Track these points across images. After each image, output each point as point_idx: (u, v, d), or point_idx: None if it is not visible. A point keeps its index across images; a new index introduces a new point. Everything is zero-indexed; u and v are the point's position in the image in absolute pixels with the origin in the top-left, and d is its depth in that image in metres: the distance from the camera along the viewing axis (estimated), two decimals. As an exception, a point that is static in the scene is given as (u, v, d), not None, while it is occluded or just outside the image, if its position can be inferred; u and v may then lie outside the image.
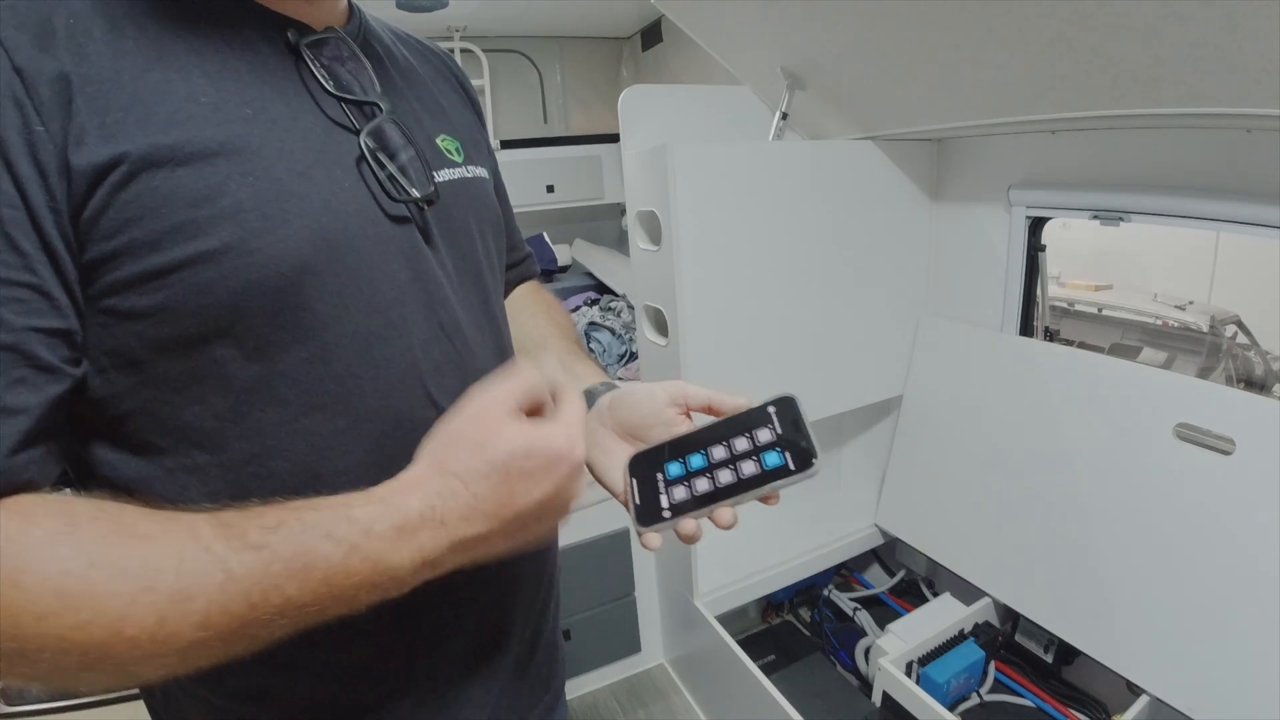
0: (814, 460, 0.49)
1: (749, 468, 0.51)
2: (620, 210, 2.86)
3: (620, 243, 2.96)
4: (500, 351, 0.66)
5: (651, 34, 2.77)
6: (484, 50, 2.77)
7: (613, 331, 2.20)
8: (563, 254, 2.91)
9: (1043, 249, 1.46)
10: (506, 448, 0.44)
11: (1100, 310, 4.16)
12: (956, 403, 1.58)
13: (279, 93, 0.50)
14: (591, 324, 2.25)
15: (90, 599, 0.36)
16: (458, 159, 0.63)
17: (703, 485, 0.51)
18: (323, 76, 0.52)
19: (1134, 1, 0.83)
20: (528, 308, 0.84)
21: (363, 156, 0.52)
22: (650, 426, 0.59)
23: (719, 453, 0.52)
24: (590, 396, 0.65)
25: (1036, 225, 1.44)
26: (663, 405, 0.58)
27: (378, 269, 0.52)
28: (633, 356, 2.13)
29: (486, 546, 0.45)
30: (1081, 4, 0.88)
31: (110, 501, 0.40)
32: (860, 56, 1.29)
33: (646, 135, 1.54)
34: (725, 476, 0.51)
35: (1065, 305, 4.28)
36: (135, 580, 0.37)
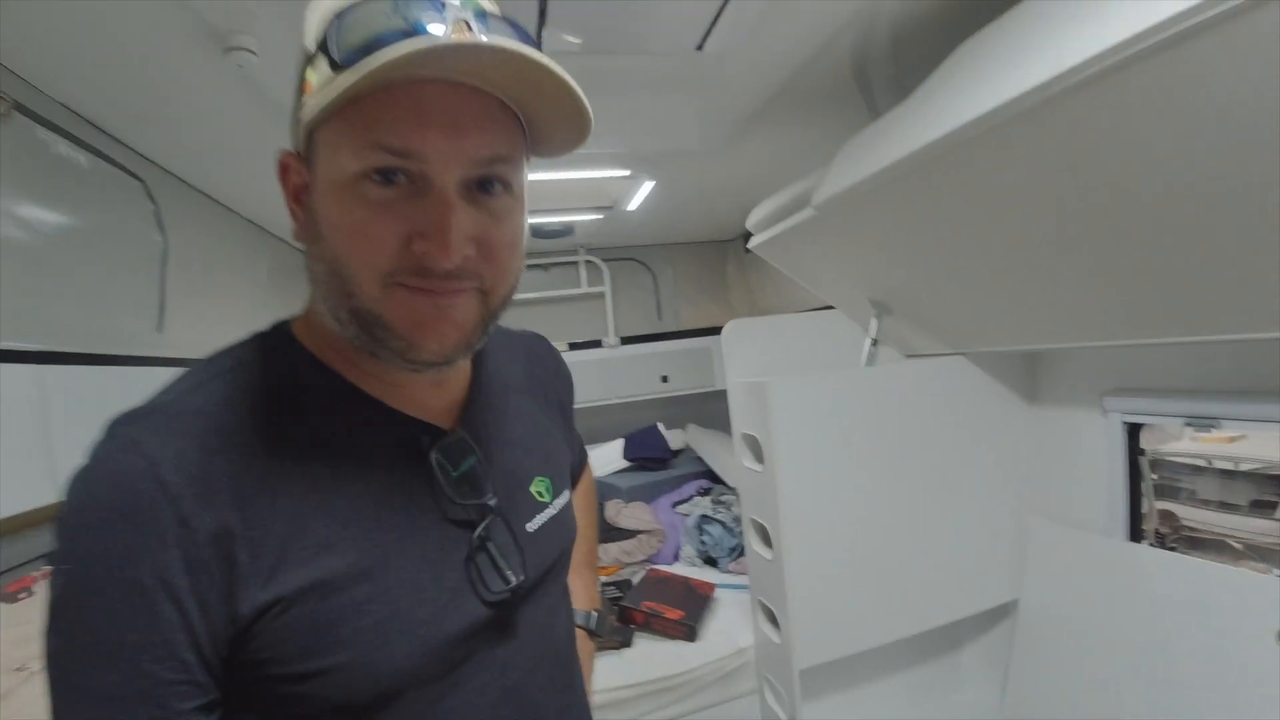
0: None
1: None
2: (730, 395, 3.02)
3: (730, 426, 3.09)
4: (567, 650, 0.75)
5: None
6: (604, 260, 3.13)
7: (724, 525, 2.29)
8: (675, 439, 3.08)
9: (1142, 453, 1.47)
10: None
11: (1238, 465, 3.90)
12: (1070, 607, 1.54)
13: (409, 502, 0.57)
14: (704, 516, 2.35)
15: None
16: (546, 499, 0.70)
17: None
18: (447, 485, 0.59)
19: (1222, 234, 0.87)
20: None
21: (469, 560, 0.59)
22: None
23: None
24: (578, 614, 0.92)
25: (1134, 430, 1.46)
26: None
27: (460, 649, 0.58)
28: (744, 551, 2.20)
29: None
30: (1165, 236, 0.92)
31: None
32: (939, 293, 1.42)
33: (749, 363, 1.70)
34: None
35: (1202, 463, 4.03)
36: None
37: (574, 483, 0.95)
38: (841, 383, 1.53)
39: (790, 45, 1.22)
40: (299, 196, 0.55)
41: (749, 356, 1.72)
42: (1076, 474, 1.58)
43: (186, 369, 0.56)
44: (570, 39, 1.09)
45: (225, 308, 1.76)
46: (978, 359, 1.62)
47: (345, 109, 0.48)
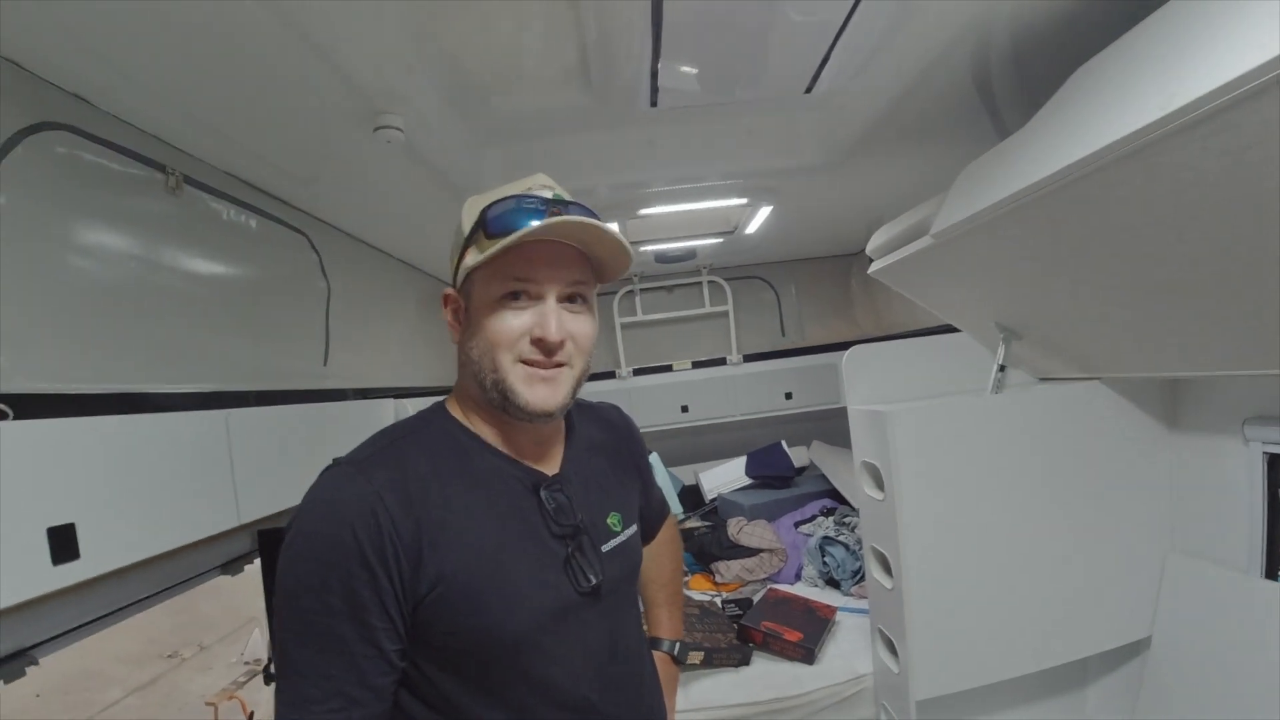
0: None
1: None
2: (855, 414, 2.97)
3: (856, 445, 3.03)
4: (638, 645, 0.97)
5: (880, 252, 2.98)
6: (726, 280, 3.18)
7: (847, 547, 2.26)
8: (799, 456, 3.06)
9: (1282, 485, 1.34)
10: None
11: None
12: (1205, 647, 1.42)
13: (525, 522, 0.82)
14: (826, 538, 2.34)
15: None
16: (618, 530, 0.93)
17: None
18: (551, 511, 0.83)
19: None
20: (653, 549, 1.18)
21: (566, 563, 0.83)
22: None
23: None
24: (656, 643, 1.14)
25: (1275, 461, 1.34)
26: None
27: (561, 625, 0.81)
28: (865, 575, 2.17)
29: None
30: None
31: None
32: (1071, 319, 1.37)
33: (871, 388, 1.69)
34: None
35: None
36: None
37: (653, 532, 1.18)
38: (965, 410, 1.50)
39: (899, 75, 1.22)
40: (457, 315, 0.85)
41: (872, 382, 1.71)
42: (1216, 505, 1.47)
43: (379, 431, 0.82)
44: (685, 74, 1.15)
45: (381, 340, 1.96)
46: (1115, 384, 1.54)
47: (493, 260, 0.77)
